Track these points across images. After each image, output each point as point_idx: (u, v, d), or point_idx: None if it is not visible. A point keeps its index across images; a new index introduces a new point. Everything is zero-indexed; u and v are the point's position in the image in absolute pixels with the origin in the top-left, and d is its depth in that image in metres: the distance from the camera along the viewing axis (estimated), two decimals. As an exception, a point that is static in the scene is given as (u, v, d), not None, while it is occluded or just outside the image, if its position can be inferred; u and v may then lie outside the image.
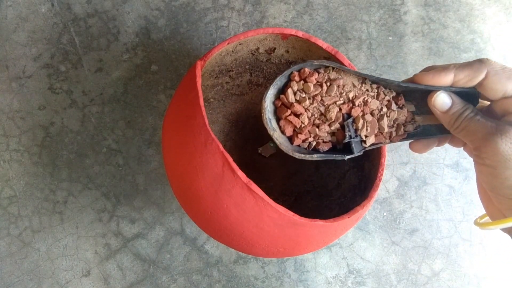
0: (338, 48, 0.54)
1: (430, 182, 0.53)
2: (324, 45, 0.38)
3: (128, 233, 0.49)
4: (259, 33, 0.37)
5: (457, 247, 0.52)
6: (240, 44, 0.40)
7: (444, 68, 0.28)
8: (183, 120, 0.34)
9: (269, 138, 0.50)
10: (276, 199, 0.43)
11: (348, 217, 0.34)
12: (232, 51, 0.41)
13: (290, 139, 0.32)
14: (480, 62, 0.26)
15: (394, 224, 0.52)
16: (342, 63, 0.39)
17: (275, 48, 0.42)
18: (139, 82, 0.51)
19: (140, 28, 0.52)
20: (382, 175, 0.37)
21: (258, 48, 0.42)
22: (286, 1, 0.54)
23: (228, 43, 0.37)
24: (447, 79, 0.28)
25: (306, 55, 0.42)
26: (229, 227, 0.33)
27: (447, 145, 0.53)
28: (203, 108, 0.32)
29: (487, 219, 0.29)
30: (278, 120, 0.32)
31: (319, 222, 0.32)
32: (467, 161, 0.53)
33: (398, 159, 0.53)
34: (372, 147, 0.32)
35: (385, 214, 0.52)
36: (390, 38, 0.55)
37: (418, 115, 0.32)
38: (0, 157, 0.49)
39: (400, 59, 0.54)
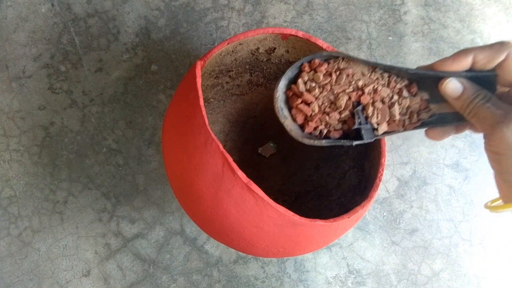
0: (338, 48, 0.54)
1: (430, 182, 0.53)
2: (324, 45, 0.38)
3: (128, 233, 0.49)
4: (259, 33, 0.37)
5: (457, 247, 0.52)
6: (240, 44, 0.40)
7: (464, 50, 0.27)
8: (183, 120, 0.34)
9: (269, 138, 0.50)
10: (276, 199, 0.43)
11: (348, 217, 0.34)
12: (232, 51, 0.41)
13: (302, 128, 0.33)
14: (501, 44, 0.26)
15: (394, 224, 0.52)
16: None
17: (275, 48, 0.42)
18: (139, 82, 0.51)
19: (140, 28, 0.52)
20: (382, 175, 0.37)
21: (258, 48, 0.42)
22: (286, 1, 0.54)
23: (228, 43, 0.37)
24: (467, 61, 0.27)
25: (306, 55, 0.42)
26: (229, 227, 0.33)
27: (447, 145, 0.53)
28: (203, 108, 0.32)
29: (498, 203, 0.29)
30: (290, 109, 0.33)
31: (319, 222, 0.32)
32: (467, 161, 0.53)
33: (398, 159, 0.53)
34: (386, 135, 0.32)
35: (385, 214, 0.52)
36: (390, 38, 0.55)
37: (434, 103, 0.31)
38: (0, 157, 0.49)
39: (400, 59, 0.54)
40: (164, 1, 0.52)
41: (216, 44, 0.49)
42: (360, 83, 0.31)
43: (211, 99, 0.48)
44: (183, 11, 0.52)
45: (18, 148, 0.49)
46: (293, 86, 0.33)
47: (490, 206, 0.28)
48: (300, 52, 0.42)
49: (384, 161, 0.37)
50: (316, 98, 0.32)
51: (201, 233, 0.50)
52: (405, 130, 0.32)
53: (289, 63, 0.45)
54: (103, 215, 0.49)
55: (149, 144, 0.51)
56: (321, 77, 0.32)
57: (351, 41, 0.54)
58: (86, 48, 0.51)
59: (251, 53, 0.43)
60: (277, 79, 0.48)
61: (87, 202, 0.49)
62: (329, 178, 0.47)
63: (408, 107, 0.31)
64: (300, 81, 0.32)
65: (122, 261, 0.49)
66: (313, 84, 0.32)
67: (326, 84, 0.32)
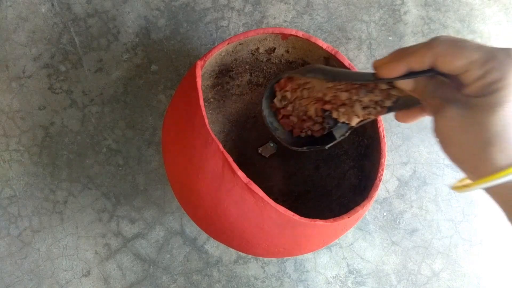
0: (338, 48, 0.54)
1: (430, 182, 0.53)
2: (324, 45, 0.39)
3: (128, 233, 0.49)
4: (259, 33, 0.37)
5: (457, 247, 0.52)
6: (240, 44, 0.40)
7: (396, 59, 0.27)
8: (183, 120, 0.34)
9: (269, 139, 0.50)
10: (276, 199, 0.43)
11: (348, 217, 0.34)
12: (232, 51, 0.41)
13: (292, 132, 0.38)
14: (426, 47, 0.25)
15: (394, 224, 0.52)
16: (342, 63, 0.39)
17: (275, 48, 0.42)
18: (139, 82, 0.51)
19: (140, 28, 0.52)
20: (382, 175, 0.37)
21: (258, 48, 0.42)
22: (286, 1, 0.54)
23: (228, 43, 0.37)
24: (400, 70, 0.27)
25: (306, 55, 0.42)
26: (229, 227, 0.33)
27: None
28: (203, 108, 0.32)
29: (465, 183, 0.29)
30: (278, 120, 0.38)
31: (319, 222, 0.32)
32: (467, 161, 0.53)
33: (398, 159, 0.53)
34: (362, 123, 0.34)
35: (385, 214, 0.52)
36: (390, 38, 0.55)
37: (396, 88, 0.32)
38: (0, 157, 0.49)
39: (400, 59, 0.54)
40: (164, 1, 0.52)
41: (216, 44, 0.49)
42: (320, 94, 0.34)
43: (211, 99, 0.48)
44: (183, 11, 0.52)
45: (18, 148, 0.49)
46: (271, 105, 0.38)
47: (456, 187, 0.28)
48: (300, 52, 0.42)
49: (384, 161, 0.37)
50: (293, 110, 0.37)
51: (201, 233, 0.50)
52: (375, 117, 0.33)
53: (289, 63, 0.45)
54: (103, 215, 0.49)
55: (149, 144, 0.51)
56: (289, 95, 0.36)
57: (351, 41, 0.54)
58: (86, 48, 0.51)
59: (251, 53, 0.43)
60: (277, 79, 0.48)
61: (87, 202, 0.49)
62: (329, 178, 0.47)
63: (370, 101, 0.33)
64: (275, 100, 0.37)
65: (122, 261, 0.49)
66: (285, 101, 0.37)
67: (295, 99, 0.36)
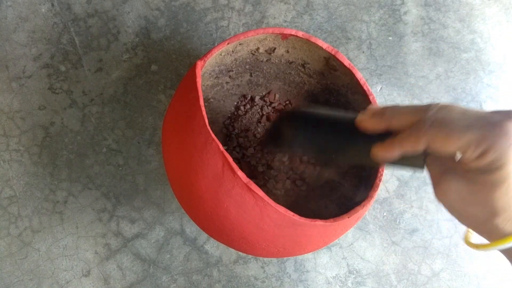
0: (338, 48, 0.54)
1: (430, 182, 0.52)
2: (324, 45, 0.39)
3: (128, 233, 0.49)
4: (259, 33, 0.37)
5: (457, 247, 0.52)
6: (240, 44, 0.40)
7: (390, 146, 0.26)
8: (183, 120, 0.34)
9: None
10: (276, 199, 0.43)
11: (348, 217, 0.34)
12: (232, 51, 0.41)
13: None
14: (416, 133, 0.24)
15: (394, 224, 0.52)
16: (342, 63, 0.39)
17: (275, 48, 0.42)
18: (139, 82, 0.51)
19: (140, 28, 0.52)
20: (382, 175, 0.37)
21: (258, 48, 0.42)
22: (286, 1, 0.54)
23: (228, 43, 0.37)
24: (394, 155, 0.26)
25: (306, 55, 0.42)
26: (229, 227, 0.33)
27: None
28: (203, 108, 0.32)
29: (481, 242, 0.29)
30: None
31: (319, 222, 0.32)
32: (467, 161, 0.53)
33: (398, 159, 0.53)
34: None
35: (385, 214, 0.52)
36: (390, 38, 0.55)
37: None
38: (0, 157, 0.49)
39: (400, 59, 0.54)
40: (164, 1, 0.52)
41: (216, 44, 0.49)
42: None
43: (211, 99, 0.48)
44: (183, 11, 0.52)
45: (18, 148, 0.49)
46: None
47: (469, 243, 0.29)
48: (300, 52, 0.42)
49: (384, 161, 0.37)
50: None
51: (201, 233, 0.50)
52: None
53: (289, 63, 0.45)
54: (103, 215, 0.49)
55: (149, 144, 0.51)
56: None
57: (351, 41, 0.54)
58: (86, 48, 0.51)
59: (251, 53, 0.43)
60: (277, 79, 0.48)
61: (87, 202, 0.49)
62: (329, 178, 0.47)
63: None
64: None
65: (122, 261, 0.49)
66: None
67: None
